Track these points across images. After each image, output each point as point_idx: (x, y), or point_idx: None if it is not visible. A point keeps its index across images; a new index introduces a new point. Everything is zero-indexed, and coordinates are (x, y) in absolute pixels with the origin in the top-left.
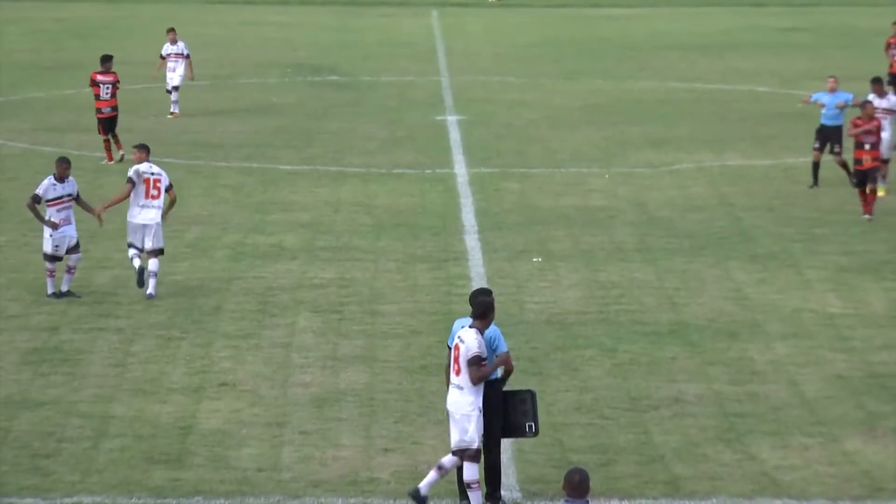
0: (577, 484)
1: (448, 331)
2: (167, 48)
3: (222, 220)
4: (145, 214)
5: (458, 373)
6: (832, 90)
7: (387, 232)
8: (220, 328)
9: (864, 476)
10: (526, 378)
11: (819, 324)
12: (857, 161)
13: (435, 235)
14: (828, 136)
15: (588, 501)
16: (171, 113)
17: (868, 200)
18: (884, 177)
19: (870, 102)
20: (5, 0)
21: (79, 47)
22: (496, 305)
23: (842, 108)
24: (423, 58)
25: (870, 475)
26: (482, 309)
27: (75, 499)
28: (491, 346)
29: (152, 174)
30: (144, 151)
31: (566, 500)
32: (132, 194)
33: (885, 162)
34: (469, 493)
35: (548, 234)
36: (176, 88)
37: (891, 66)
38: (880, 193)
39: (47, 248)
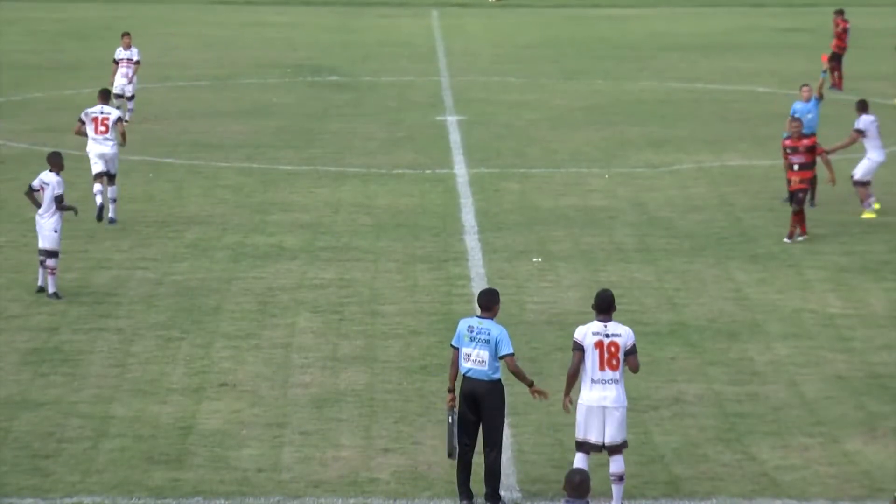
0: (577, 484)
1: (451, 331)
2: (120, 53)
3: (222, 220)
4: (96, 146)
5: (615, 367)
6: (808, 99)
7: (387, 232)
8: (220, 328)
9: (864, 476)
10: None
11: (819, 324)
12: (788, 182)
13: (435, 236)
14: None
15: (588, 502)
16: (125, 121)
17: (794, 222)
18: (868, 196)
19: (797, 120)
20: (5, 0)
21: (79, 48)
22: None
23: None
24: (423, 58)
25: (870, 475)
26: (608, 303)
27: (75, 499)
28: (496, 346)
29: (101, 113)
30: (101, 96)
31: (566, 501)
32: (89, 131)
33: (865, 184)
34: (617, 487)
35: (548, 234)
36: (131, 98)
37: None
38: (871, 214)
39: (56, 243)
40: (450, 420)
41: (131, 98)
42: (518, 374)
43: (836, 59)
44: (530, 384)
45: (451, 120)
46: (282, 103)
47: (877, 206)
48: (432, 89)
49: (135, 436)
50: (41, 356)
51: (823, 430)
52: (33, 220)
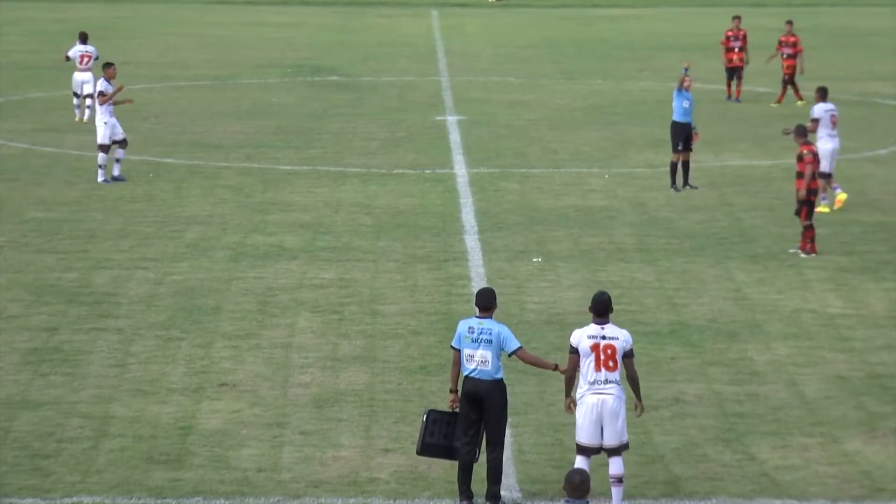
0: (577, 484)
1: (451, 331)
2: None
3: (222, 220)
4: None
5: (612, 369)
6: (689, 88)
7: (387, 232)
8: (220, 328)
9: (864, 476)
10: (526, 378)
11: (819, 324)
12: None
13: (435, 236)
14: (688, 135)
15: (588, 502)
16: (79, 118)
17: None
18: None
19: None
20: (5, 0)
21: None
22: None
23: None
24: (423, 58)
25: (870, 475)
26: (605, 306)
27: (75, 499)
28: (500, 343)
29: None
30: (106, 67)
31: (566, 501)
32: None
33: (826, 176)
34: (616, 489)
35: (548, 234)
36: (88, 96)
37: (730, 60)
38: (825, 208)
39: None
40: (423, 418)
41: (88, 96)
42: (537, 363)
43: (739, 71)
44: (554, 367)
45: (451, 120)
46: (282, 103)
47: (841, 196)
48: (432, 89)
49: (135, 436)
50: (41, 356)
51: (823, 430)
52: (33, 219)
